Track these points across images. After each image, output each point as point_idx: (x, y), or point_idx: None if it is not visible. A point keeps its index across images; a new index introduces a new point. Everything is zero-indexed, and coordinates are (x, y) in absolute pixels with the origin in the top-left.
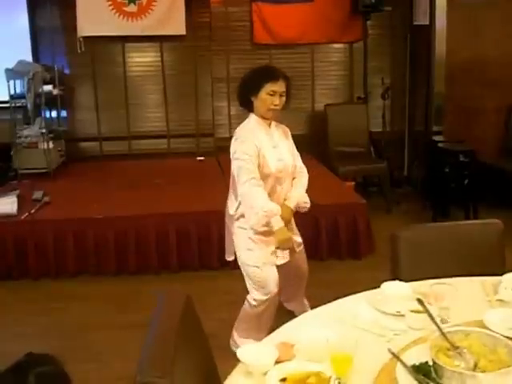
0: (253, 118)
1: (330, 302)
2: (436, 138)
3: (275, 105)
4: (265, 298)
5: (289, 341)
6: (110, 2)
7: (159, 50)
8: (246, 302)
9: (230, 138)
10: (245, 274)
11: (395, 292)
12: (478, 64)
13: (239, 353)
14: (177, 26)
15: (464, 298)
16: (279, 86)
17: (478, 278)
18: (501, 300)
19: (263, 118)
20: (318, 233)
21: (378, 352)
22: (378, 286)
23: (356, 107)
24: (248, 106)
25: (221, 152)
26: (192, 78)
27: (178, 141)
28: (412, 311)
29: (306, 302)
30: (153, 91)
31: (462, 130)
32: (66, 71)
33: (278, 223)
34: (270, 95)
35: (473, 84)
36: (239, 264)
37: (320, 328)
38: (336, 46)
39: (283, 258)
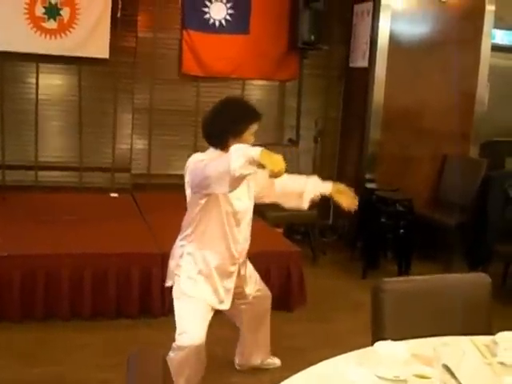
0: (216, 154)
1: None
2: (369, 185)
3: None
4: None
5: None
6: (27, 16)
7: (77, 73)
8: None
9: (148, 174)
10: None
11: (391, 353)
12: (414, 111)
13: None
14: (99, 48)
15: (465, 360)
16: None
17: (466, 337)
18: (502, 363)
19: None
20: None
21: None
22: (316, 340)
23: (286, 150)
24: (221, 146)
25: (137, 189)
26: (111, 107)
27: (91, 174)
28: (416, 376)
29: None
30: (67, 118)
31: (395, 179)
32: None
33: (255, 150)
34: (252, 135)
35: (408, 132)
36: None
37: None
38: (268, 83)
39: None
